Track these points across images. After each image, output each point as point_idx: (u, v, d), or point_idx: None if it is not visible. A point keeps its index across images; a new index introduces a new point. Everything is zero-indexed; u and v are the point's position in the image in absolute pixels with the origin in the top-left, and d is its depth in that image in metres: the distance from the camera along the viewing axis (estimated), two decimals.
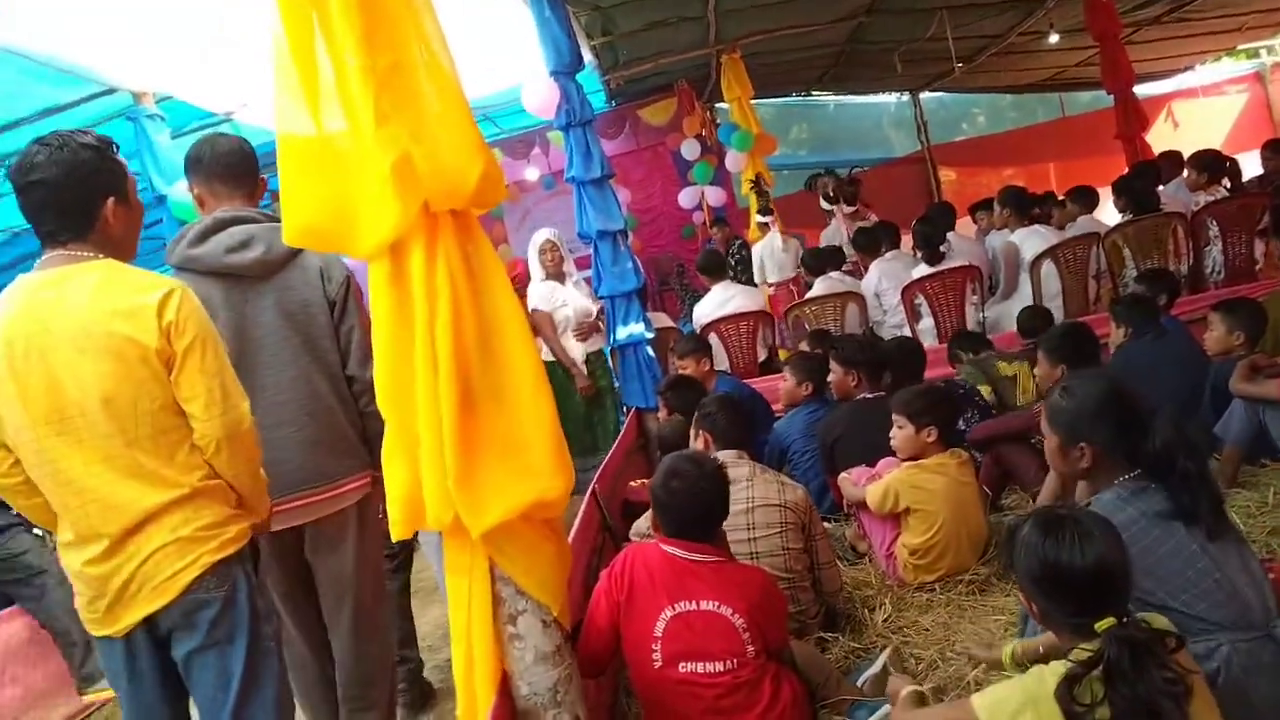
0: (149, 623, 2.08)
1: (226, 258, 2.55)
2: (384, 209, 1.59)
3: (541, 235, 5.88)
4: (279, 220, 2.64)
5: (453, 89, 1.69)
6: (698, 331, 6.23)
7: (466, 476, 1.69)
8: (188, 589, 2.06)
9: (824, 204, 8.91)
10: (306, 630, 2.82)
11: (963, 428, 3.94)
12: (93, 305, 2.02)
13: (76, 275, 2.05)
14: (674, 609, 2.31)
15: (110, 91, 5.27)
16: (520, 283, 6.10)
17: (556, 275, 5.82)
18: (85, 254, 2.09)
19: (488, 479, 1.73)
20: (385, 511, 2.82)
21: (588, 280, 5.84)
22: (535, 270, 5.82)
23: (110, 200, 2.14)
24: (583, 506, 3.38)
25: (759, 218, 8.49)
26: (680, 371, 4.99)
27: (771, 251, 7.97)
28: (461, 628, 1.88)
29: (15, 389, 2.00)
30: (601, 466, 4.08)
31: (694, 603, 2.31)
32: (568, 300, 5.76)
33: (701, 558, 2.39)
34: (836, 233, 8.69)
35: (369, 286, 1.74)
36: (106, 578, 2.04)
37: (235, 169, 2.67)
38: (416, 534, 3.95)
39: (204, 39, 4.70)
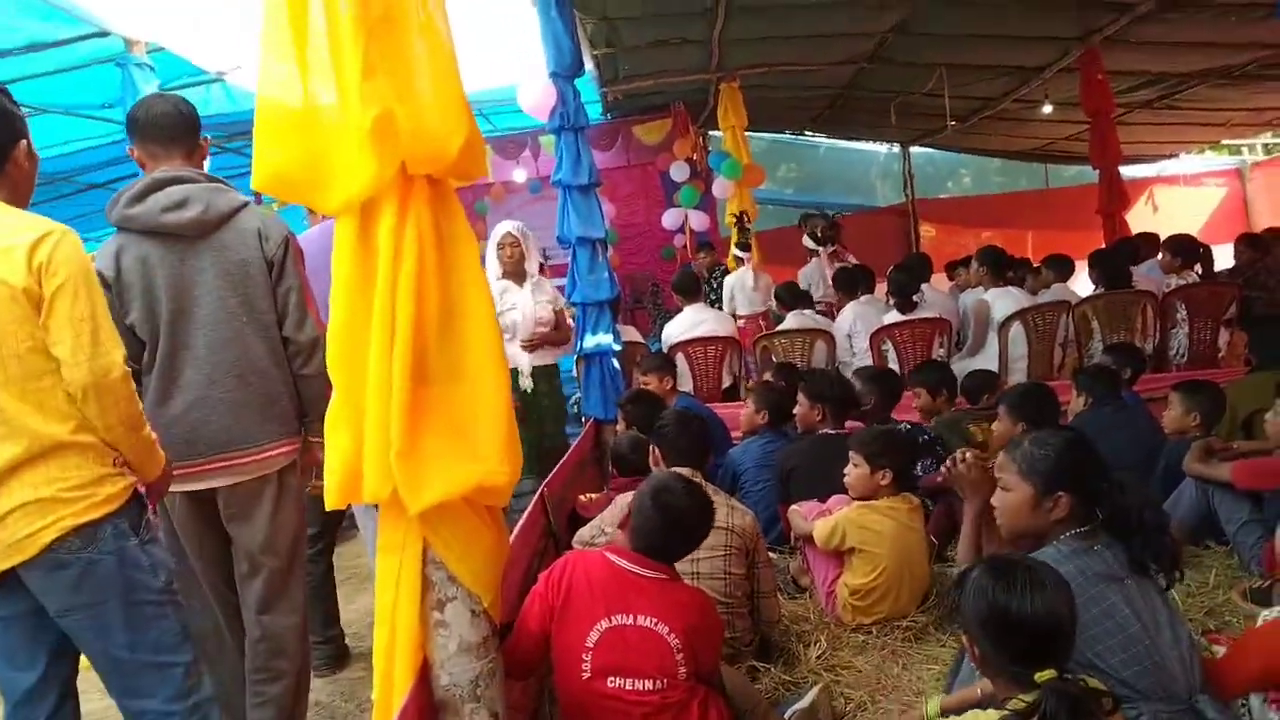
0: (15, 574, 2.03)
1: (163, 217, 2.54)
2: (360, 164, 1.54)
3: (503, 228, 5.24)
4: (218, 181, 2.66)
5: (445, 54, 1.65)
6: (665, 350, 6.20)
7: (410, 450, 1.63)
8: (47, 548, 2.00)
9: (809, 242, 8.98)
10: (219, 598, 2.78)
11: (920, 474, 3.94)
12: None
13: None
14: (610, 621, 2.26)
15: (103, 34, 5.17)
16: None
17: (514, 274, 5.18)
18: None
19: (432, 455, 1.67)
20: (313, 482, 2.81)
21: (560, 289, 5.70)
22: (491, 266, 5.20)
23: (24, 143, 2.15)
24: (529, 508, 3.33)
25: (736, 251, 8.54)
26: (643, 386, 4.95)
27: (742, 285, 7.99)
28: (387, 608, 1.82)
29: None
30: (553, 472, 4.02)
31: (631, 617, 2.26)
32: (517, 304, 5.10)
33: (647, 573, 2.34)
34: (815, 271, 8.75)
35: (334, 243, 1.68)
36: None
37: (171, 130, 2.66)
38: (354, 518, 3.93)
39: None
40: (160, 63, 5.44)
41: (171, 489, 2.42)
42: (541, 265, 5.47)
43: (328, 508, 1.79)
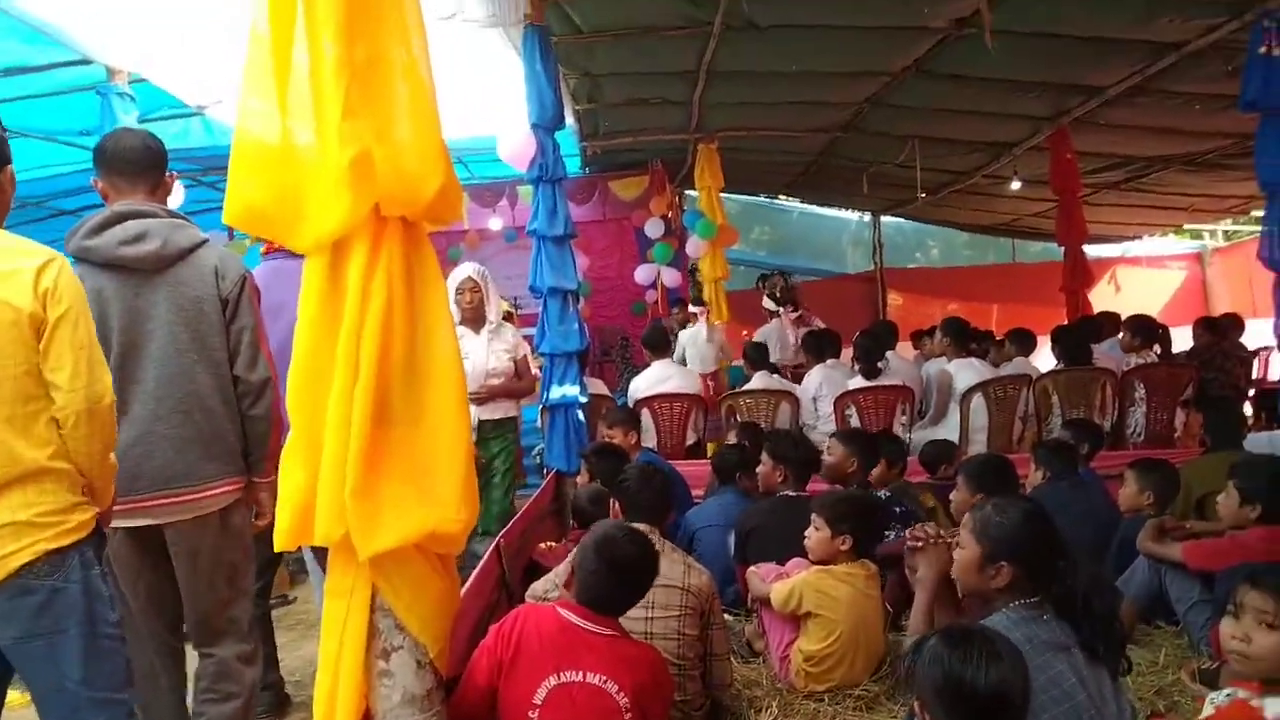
0: None
1: (120, 250, 2.56)
2: (334, 203, 1.55)
3: (462, 271, 5.00)
4: (179, 217, 2.68)
5: (426, 98, 1.66)
6: (631, 405, 6.19)
7: (365, 492, 1.61)
8: (16, 573, 1.99)
9: (768, 303, 9.07)
10: (154, 638, 2.75)
11: (891, 538, 3.94)
12: None
13: None
14: (558, 678, 2.23)
15: (85, 62, 5.16)
16: None
17: (471, 321, 4.95)
18: None
19: (387, 499, 1.65)
20: (252, 521, 2.77)
21: (529, 338, 5.67)
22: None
23: (9, 167, 2.18)
24: (483, 559, 3.28)
25: (692, 306, 8.60)
26: (608, 440, 4.94)
27: (694, 341, 8.04)
28: (331, 655, 1.77)
29: None
30: (511, 523, 3.98)
31: (580, 674, 2.23)
32: (469, 353, 4.76)
33: (597, 628, 2.32)
34: (774, 332, 8.82)
35: (303, 280, 1.67)
36: None
37: (137, 164, 2.70)
38: (305, 563, 3.85)
39: (190, 26, 4.63)
40: (141, 93, 5.43)
41: (113, 524, 2.38)
42: (510, 314, 5.36)
43: (277, 548, 1.76)
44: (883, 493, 4.19)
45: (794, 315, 9.00)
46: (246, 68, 1.60)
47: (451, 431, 1.74)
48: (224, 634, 2.71)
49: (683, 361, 7.93)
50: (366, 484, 1.62)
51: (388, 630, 1.82)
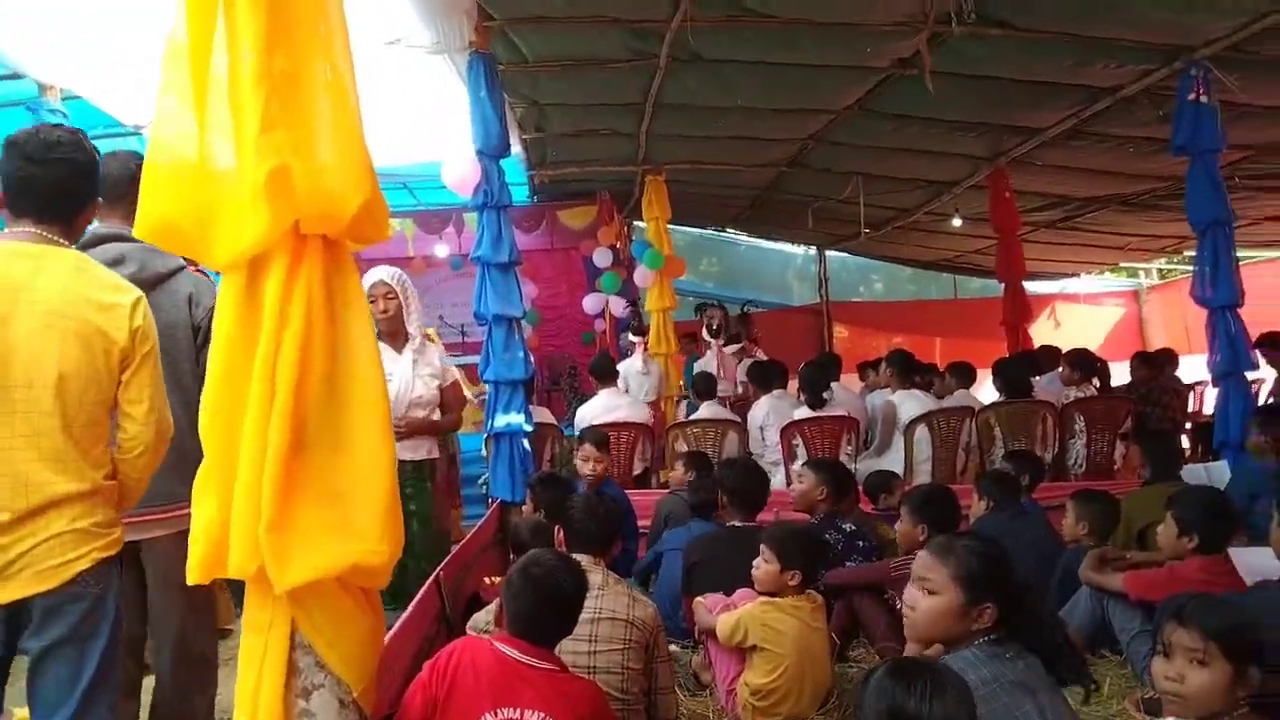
0: (12, 607, 2.07)
1: None
2: (250, 219, 1.48)
3: (374, 275, 4.08)
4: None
5: (350, 114, 1.60)
6: (578, 433, 6.12)
7: (281, 523, 1.53)
8: (72, 580, 2.09)
9: (705, 334, 9.12)
10: (124, 658, 2.67)
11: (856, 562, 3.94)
12: (70, 290, 2.12)
13: (54, 257, 2.17)
14: (495, 715, 2.15)
15: (16, 77, 5.03)
16: None
17: (390, 334, 4.10)
18: (58, 240, 2.21)
19: (305, 530, 1.57)
20: None
21: (472, 368, 5.49)
22: None
23: (98, 200, 2.37)
24: (422, 591, 3.18)
25: (630, 336, 8.60)
26: (581, 459, 4.88)
27: (632, 371, 8.03)
28: (248, 693, 1.68)
29: None
30: (451, 554, 3.87)
31: (518, 711, 2.15)
32: (391, 375, 3.98)
33: (535, 662, 2.24)
34: (709, 364, 8.85)
35: (217, 298, 1.60)
36: None
37: (115, 188, 2.68)
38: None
39: (124, 41, 4.52)
40: (75, 110, 5.31)
41: None
42: (429, 335, 4.49)
43: (189, 582, 1.67)
44: (849, 525, 4.16)
45: (734, 349, 9.06)
46: (163, 76, 1.54)
47: (373, 458, 1.66)
48: (192, 663, 2.77)
49: (627, 391, 7.90)
50: (282, 513, 1.54)
51: (308, 668, 1.73)
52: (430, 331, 4.75)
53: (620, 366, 8.06)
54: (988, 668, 2.02)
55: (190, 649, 2.78)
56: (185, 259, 2.76)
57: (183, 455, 2.58)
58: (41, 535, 2.06)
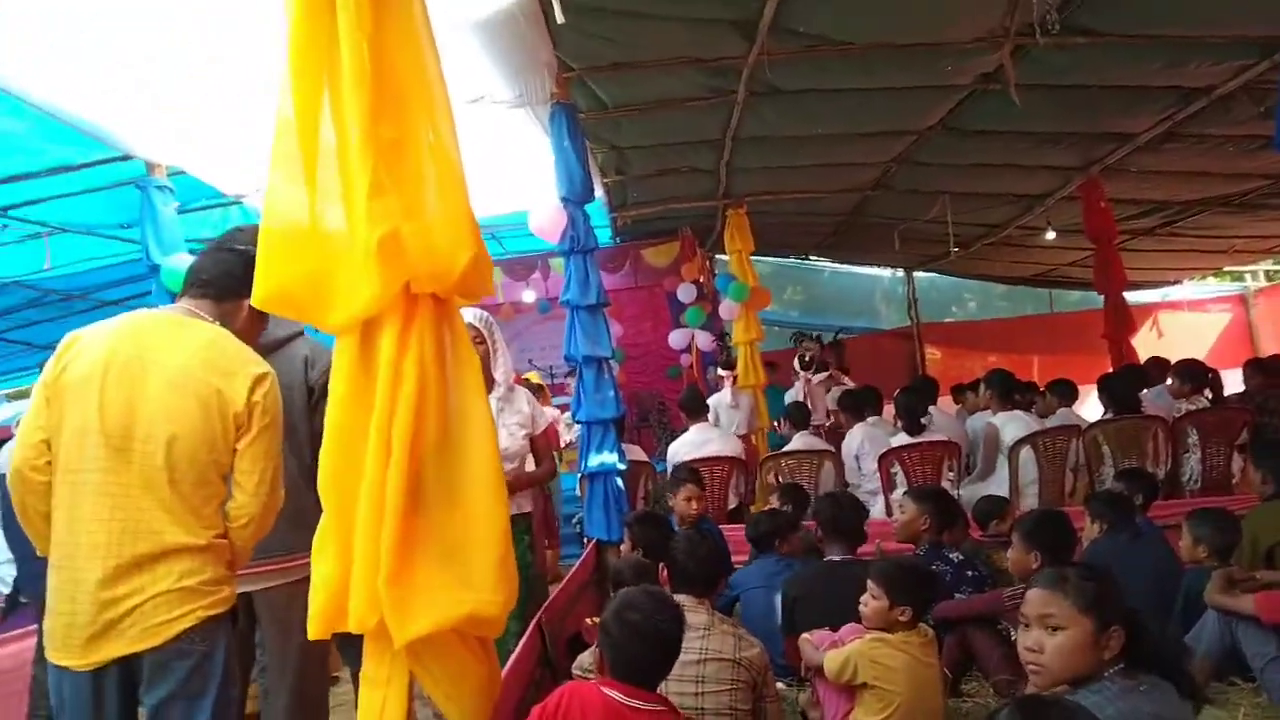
0: (125, 662, 2.12)
1: None
2: (363, 283, 1.54)
3: (465, 316, 3.77)
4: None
5: (454, 174, 1.66)
6: (670, 470, 6.12)
7: (400, 577, 1.57)
8: (176, 638, 2.13)
9: (797, 364, 9.05)
10: None
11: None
12: (198, 355, 2.25)
13: (194, 327, 2.33)
14: None
15: (125, 158, 5.32)
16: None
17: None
18: (203, 316, 2.38)
19: (423, 584, 1.60)
20: None
21: (563, 406, 5.56)
22: None
23: (248, 301, 2.53)
24: (525, 636, 3.20)
25: (720, 370, 8.55)
26: (675, 500, 4.85)
27: (722, 404, 7.98)
28: None
29: (97, 398, 2.16)
30: (550, 597, 3.89)
31: None
32: None
33: (640, 704, 2.22)
34: (797, 394, 8.80)
35: (333, 361, 1.66)
36: (101, 606, 2.09)
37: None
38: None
39: (225, 117, 4.75)
40: (180, 185, 5.57)
41: None
42: (541, 386, 4.65)
43: (310, 636, 1.71)
44: (956, 554, 4.05)
45: (821, 377, 8.97)
46: (274, 151, 1.62)
47: (487, 512, 1.69)
48: (311, 706, 2.83)
49: (716, 424, 7.87)
50: (401, 569, 1.58)
51: None
52: (532, 376, 4.73)
53: (710, 401, 8.05)
54: (1124, 701, 1.93)
55: (307, 693, 2.83)
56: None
57: (293, 505, 2.67)
58: (150, 591, 2.12)
